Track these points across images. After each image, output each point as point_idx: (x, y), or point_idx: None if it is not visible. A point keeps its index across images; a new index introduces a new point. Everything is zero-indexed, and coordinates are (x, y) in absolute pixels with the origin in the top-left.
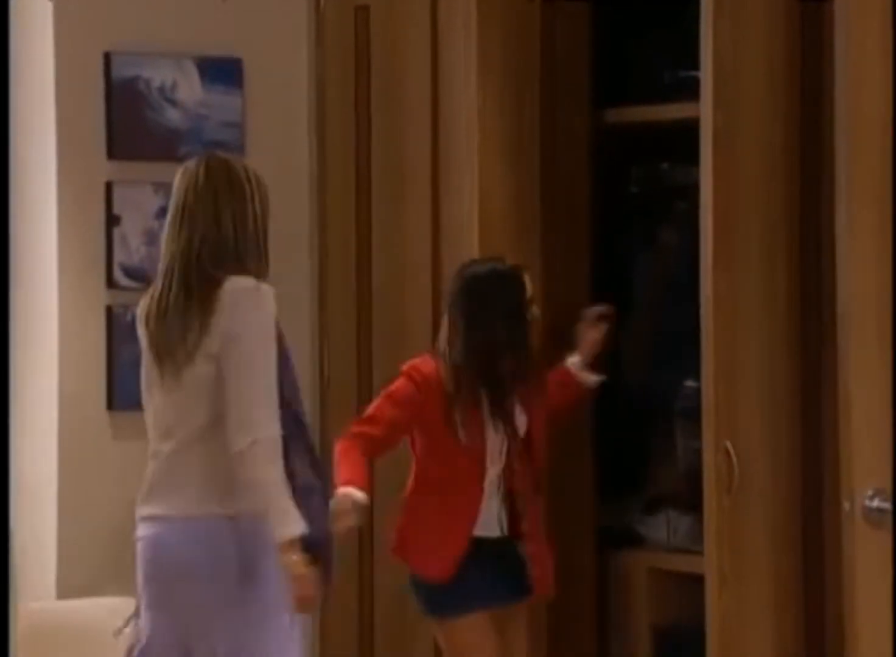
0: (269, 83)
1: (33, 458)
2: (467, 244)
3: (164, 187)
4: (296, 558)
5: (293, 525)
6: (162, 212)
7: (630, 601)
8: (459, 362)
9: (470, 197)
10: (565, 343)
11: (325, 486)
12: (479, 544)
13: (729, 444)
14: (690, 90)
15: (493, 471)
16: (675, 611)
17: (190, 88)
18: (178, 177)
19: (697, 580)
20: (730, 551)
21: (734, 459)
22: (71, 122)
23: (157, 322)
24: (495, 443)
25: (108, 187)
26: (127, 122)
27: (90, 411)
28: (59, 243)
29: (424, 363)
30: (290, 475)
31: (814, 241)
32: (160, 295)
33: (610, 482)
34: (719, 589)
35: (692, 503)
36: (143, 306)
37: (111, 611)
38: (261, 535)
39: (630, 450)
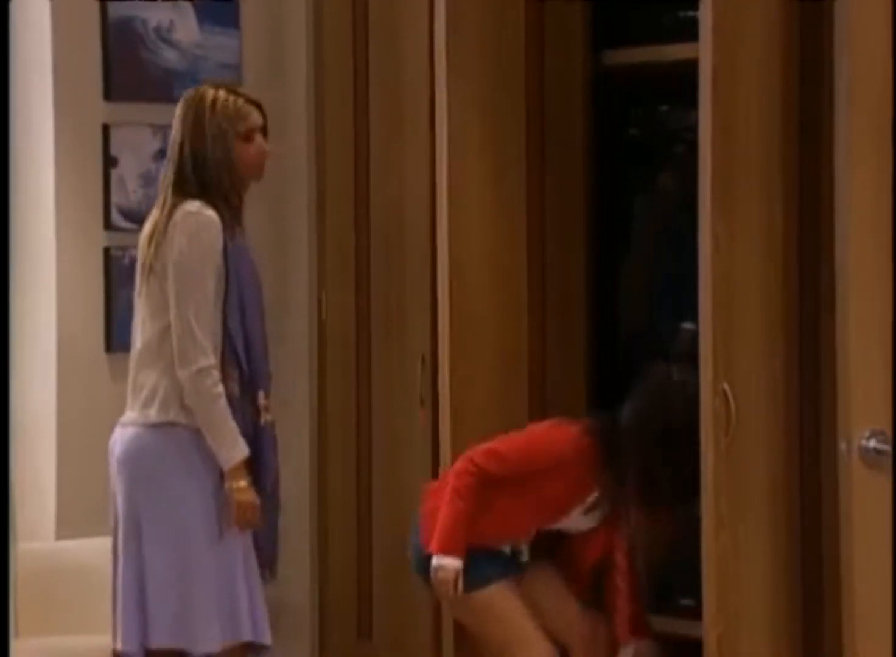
0: (266, 24)
1: (32, 400)
2: (441, 187)
3: (161, 129)
4: (241, 484)
5: (237, 449)
6: (159, 153)
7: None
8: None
9: (440, 134)
10: (559, 298)
11: (253, 403)
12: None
13: (727, 387)
14: (690, 31)
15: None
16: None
17: (187, 29)
18: None
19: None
20: (727, 494)
21: (732, 402)
22: (67, 63)
23: (143, 239)
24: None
25: (105, 129)
26: (123, 63)
27: (88, 353)
28: (56, 185)
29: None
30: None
31: (813, 184)
32: (151, 215)
33: None
34: (716, 531)
35: None
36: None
37: (109, 551)
38: (203, 448)
39: (627, 394)
